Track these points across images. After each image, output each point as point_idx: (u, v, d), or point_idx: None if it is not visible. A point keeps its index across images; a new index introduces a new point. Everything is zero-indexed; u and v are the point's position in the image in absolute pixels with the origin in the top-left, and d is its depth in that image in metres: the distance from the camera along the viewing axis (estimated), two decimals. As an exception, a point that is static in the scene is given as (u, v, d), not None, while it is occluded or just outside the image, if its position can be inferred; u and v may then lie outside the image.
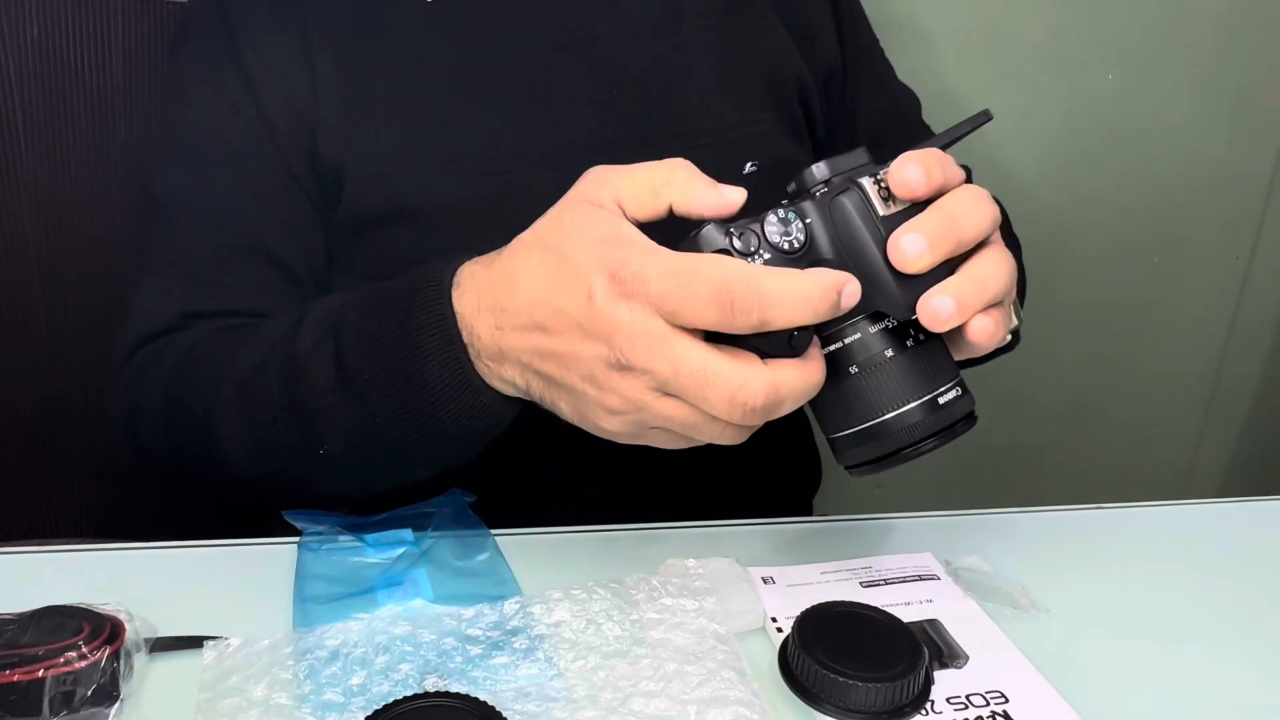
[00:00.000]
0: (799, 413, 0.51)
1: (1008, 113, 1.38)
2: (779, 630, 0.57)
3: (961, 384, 0.53)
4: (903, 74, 0.97)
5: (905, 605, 0.59)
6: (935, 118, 0.96)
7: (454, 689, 0.49)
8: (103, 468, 0.96)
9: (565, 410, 0.54)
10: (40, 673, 0.48)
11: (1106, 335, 1.53)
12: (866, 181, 0.50)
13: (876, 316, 0.51)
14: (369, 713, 0.47)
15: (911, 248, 0.49)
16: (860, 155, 0.52)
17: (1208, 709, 0.55)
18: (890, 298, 0.50)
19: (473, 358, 0.55)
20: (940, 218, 0.50)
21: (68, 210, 0.91)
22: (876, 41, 0.94)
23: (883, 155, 0.52)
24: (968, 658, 0.56)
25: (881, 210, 0.50)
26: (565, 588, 0.58)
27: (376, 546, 0.61)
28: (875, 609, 0.56)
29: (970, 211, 0.51)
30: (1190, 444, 1.66)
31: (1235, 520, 0.75)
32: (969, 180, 0.53)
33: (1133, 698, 0.55)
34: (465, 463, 0.62)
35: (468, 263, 0.56)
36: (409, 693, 0.48)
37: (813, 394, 0.50)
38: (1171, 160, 1.45)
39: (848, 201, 0.50)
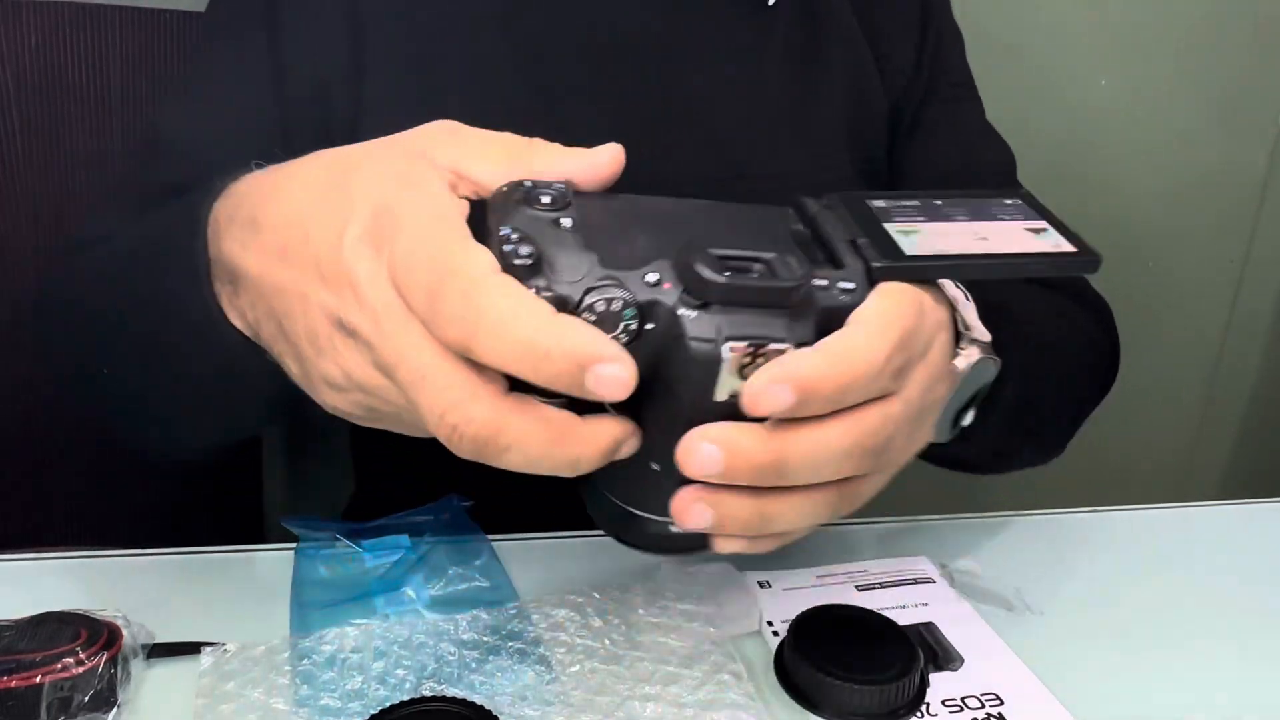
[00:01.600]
0: None
1: (1000, 119, 1.39)
2: (775, 634, 0.57)
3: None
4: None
5: (900, 608, 0.59)
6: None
7: (451, 694, 0.50)
8: (100, 474, 0.96)
9: (292, 370, 0.44)
10: (38, 679, 0.48)
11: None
12: (736, 349, 0.38)
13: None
14: (366, 718, 0.47)
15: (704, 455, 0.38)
16: (777, 324, 0.39)
17: (1203, 711, 0.55)
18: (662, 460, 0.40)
19: (214, 278, 0.46)
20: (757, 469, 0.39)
21: (65, 217, 0.91)
22: (968, 77, 0.82)
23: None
24: (963, 660, 0.56)
25: (720, 395, 0.39)
26: (562, 593, 0.58)
27: (373, 552, 0.61)
28: (870, 612, 0.56)
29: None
30: (1187, 447, 1.66)
31: (1231, 522, 0.75)
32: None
33: (1127, 700, 0.55)
34: (241, 427, 0.57)
35: (254, 173, 0.47)
36: (406, 698, 0.49)
37: (545, 464, 0.38)
38: (1165, 165, 1.45)
39: (699, 364, 0.38)
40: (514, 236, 0.38)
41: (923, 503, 0.69)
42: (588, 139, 0.58)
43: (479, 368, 0.37)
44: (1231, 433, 1.67)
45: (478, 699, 0.49)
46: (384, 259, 0.38)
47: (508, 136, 0.43)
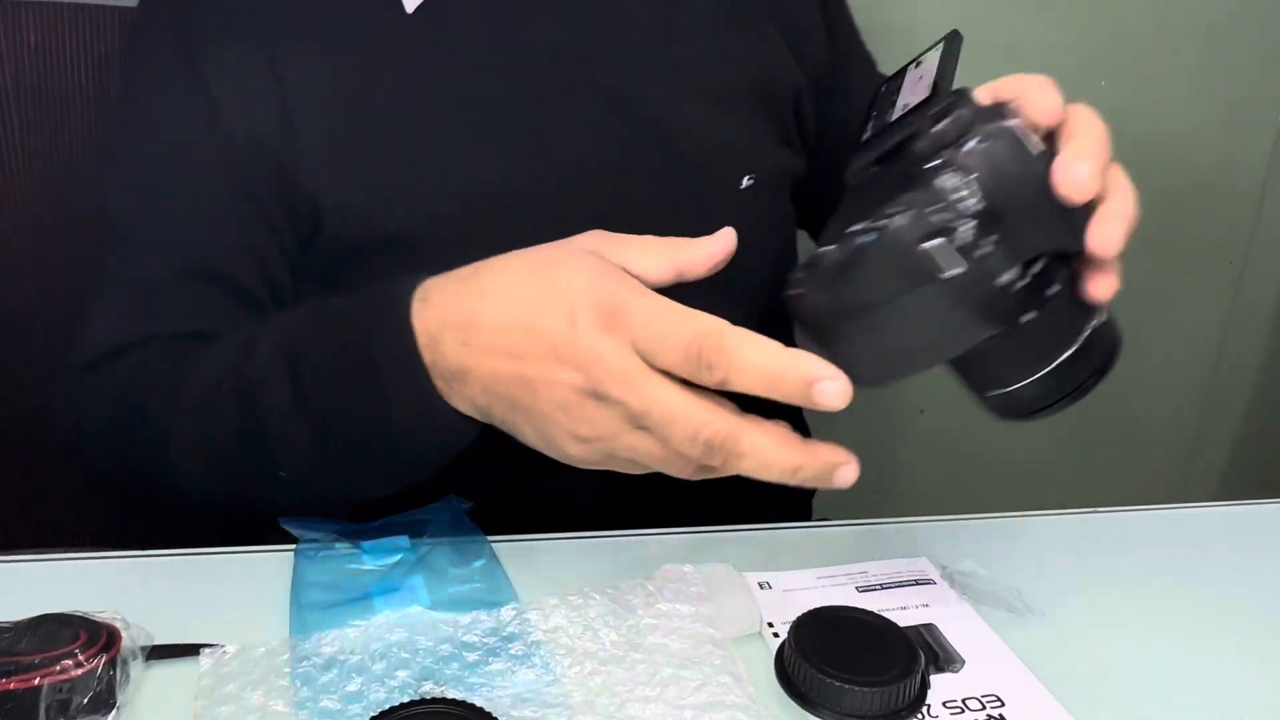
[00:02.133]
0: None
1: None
2: (775, 635, 0.57)
3: (1107, 310, 0.52)
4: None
5: (901, 610, 0.59)
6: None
7: (451, 695, 0.50)
8: (98, 476, 0.96)
9: (528, 435, 0.53)
10: (36, 681, 0.47)
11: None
12: (1011, 122, 0.48)
13: (1031, 260, 0.48)
14: (366, 719, 0.47)
15: (1083, 174, 0.47)
16: (971, 101, 0.49)
17: (1204, 712, 0.55)
18: (1067, 234, 0.49)
19: (434, 377, 0.53)
20: (1088, 139, 0.49)
21: (64, 219, 0.91)
22: (860, 36, 0.93)
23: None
24: (964, 662, 0.56)
25: (1034, 151, 0.48)
26: (562, 594, 0.58)
27: (373, 553, 0.61)
28: (871, 613, 0.56)
29: (1100, 126, 0.50)
30: (1186, 448, 1.66)
31: (1231, 524, 0.75)
32: None
33: (1128, 701, 0.55)
34: (429, 478, 0.61)
35: (436, 278, 0.54)
36: (406, 699, 0.49)
37: (781, 470, 0.49)
38: (1164, 167, 1.45)
39: (1005, 149, 0.47)
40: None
41: (923, 504, 0.69)
42: (531, 149, 0.70)
43: (714, 400, 0.49)
44: (1231, 434, 1.67)
45: (478, 701, 0.49)
46: (621, 336, 0.48)
47: (659, 241, 0.53)
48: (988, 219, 0.46)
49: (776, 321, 0.54)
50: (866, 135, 0.54)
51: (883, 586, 0.62)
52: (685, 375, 0.48)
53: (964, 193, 0.46)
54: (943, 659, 0.56)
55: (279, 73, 0.67)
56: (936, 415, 1.49)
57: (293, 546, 0.62)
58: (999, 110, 0.48)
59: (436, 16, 0.70)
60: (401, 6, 0.69)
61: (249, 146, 0.68)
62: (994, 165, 0.46)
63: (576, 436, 0.50)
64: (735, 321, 0.49)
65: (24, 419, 0.93)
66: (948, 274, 0.46)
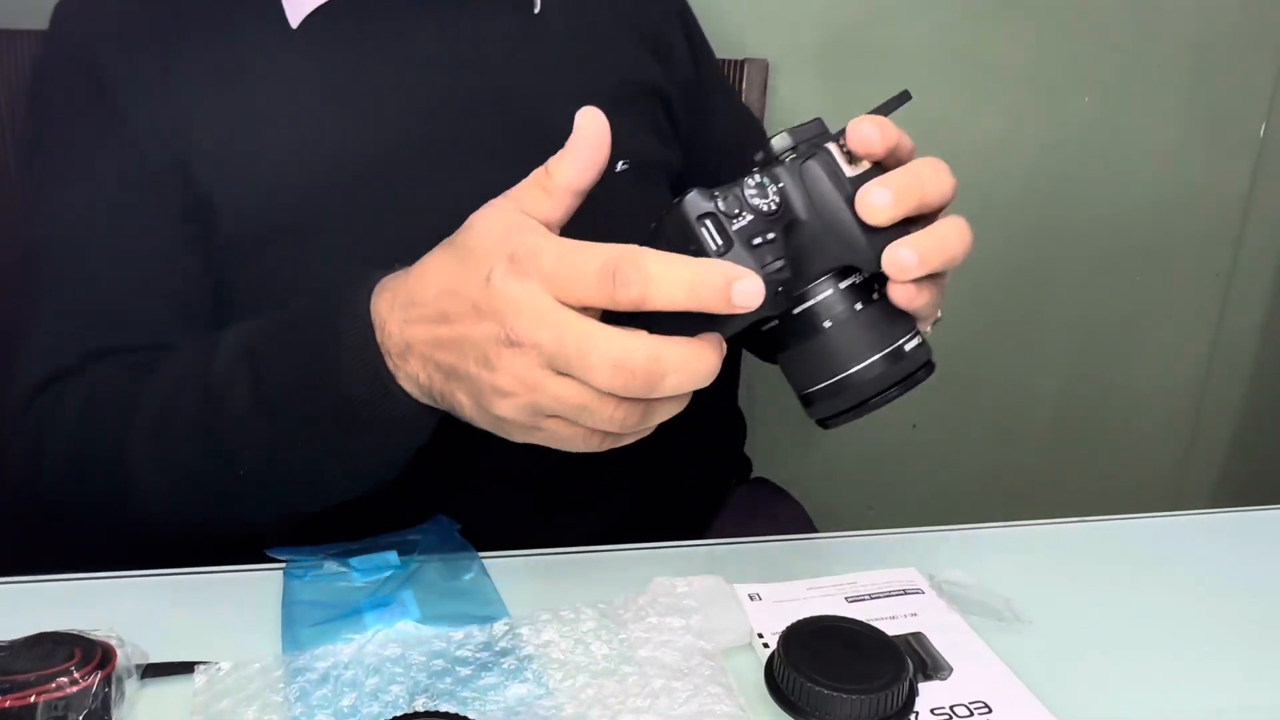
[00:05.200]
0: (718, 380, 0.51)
1: (987, 135, 1.40)
2: (765, 645, 0.57)
3: (919, 334, 0.55)
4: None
5: (890, 619, 0.60)
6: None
7: (444, 709, 0.50)
8: (56, 509, 0.95)
9: (464, 404, 0.53)
10: (32, 698, 0.48)
11: (1092, 352, 1.55)
12: (832, 146, 0.53)
13: (844, 272, 0.53)
14: (359, 733, 0.48)
15: (878, 199, 0.51)
16: (818, 125, 0.55)
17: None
18: (859, 250, 0.52)
19: (384, 356, 0.55)
20: (905, 175, 0.53)
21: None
22: (720, 68, 1.01)
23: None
24: (952, 669, 0.56)
25: (848, 171, 0.53)
26: (553, 608, 0.59)
27: (362, 569, 0.62)
28: (859, 623, 0.57)
29: (933, 175, 0.53)
30: (1178, 457, 1.67)
31: (1223, 531, 0.75)
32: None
33: (1117, 709, 0.56)
34: (390, 481, 0.62)
35: (390, 275, 0.56)
36: (399, 713, 0.49)
37: (702, 376, 0.50)
38: (1150, 181, 1.47)
39: (817, 164, 0.53)
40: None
41: (911, 514, 0.70)
42: (415, 129, 0.76)
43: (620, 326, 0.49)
44: (1222, 442, 1.68)
45: (471, 715, 0.49)
46: (532, 279, 0.49)
47: (539, 173, 0.53)
48: (776, 219, 0.52)
49: None
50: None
51: (871, 596, 0.62)
52: (602, 302, 0.48)
53: (758, 192, 0.51)
54: (931, 667, 0.56)
55: (176, 84, 0.72)
56: (929, 429, 1.50)
57: (283, 564, 0.63)
58: (825, 134, 0.54)
59: (318, 30, 0.75)
60: (286, 21, 0.74)
61: (159, 154, 0.71)
62: (798, 177, 0.53)
63: (501, 391, 0.50)
64: None
65: None
66: (710, 248, 0.50)
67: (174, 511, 0.66)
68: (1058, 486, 1.59)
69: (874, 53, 1.34)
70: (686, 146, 0.89)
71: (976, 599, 0.62)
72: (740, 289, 0.47)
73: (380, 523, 0.66)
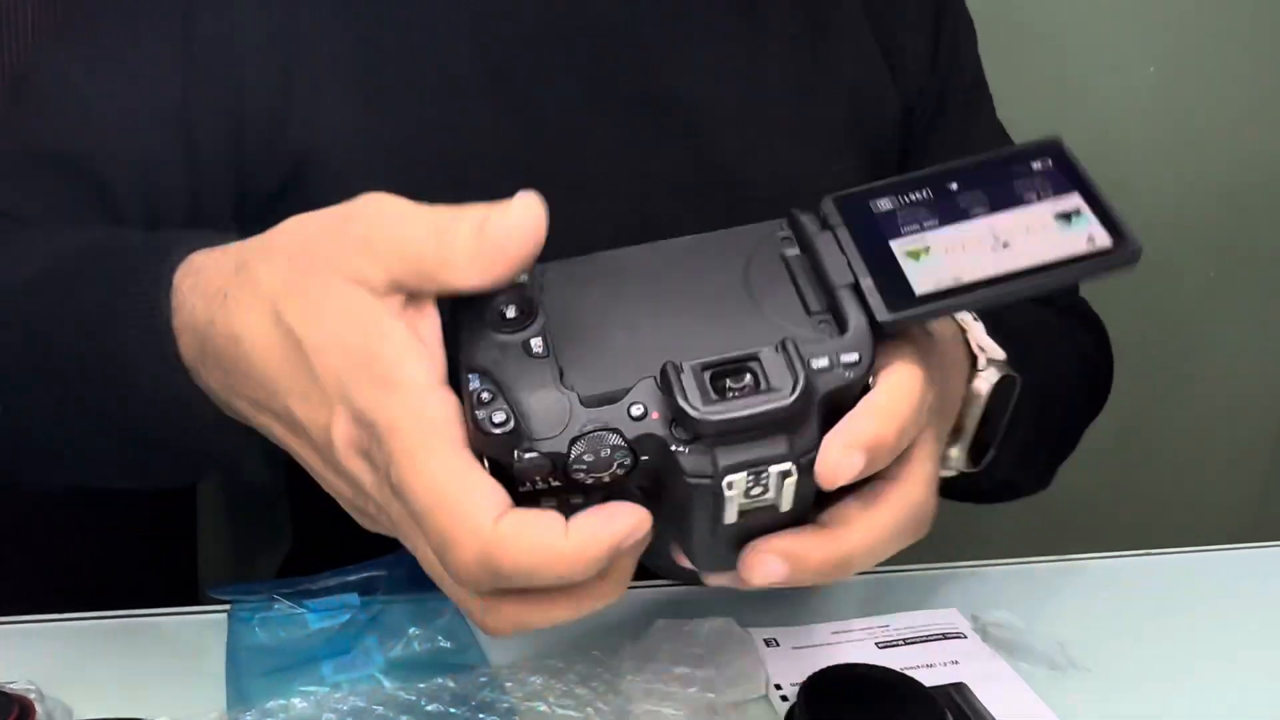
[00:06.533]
0: None
1: (1038, 115, 1.40)
2: (784, 698, 0.57)
3: None
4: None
5: (928, 668, 0.60)
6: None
7: (412, 772, 0.50)
8: (11, 530, 0.96)
9: (275, 436, 0.48)
10: (-63, 762, 0.48)
11: (1158, 362, 1.54)
12: (735, 482, 0.42)
13: None
14: (315, 801, 0.47)
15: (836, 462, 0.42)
16: (779, 444, 0.42)
17: (1273, 780, 0.55)
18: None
19: (181, 344, 0.50)
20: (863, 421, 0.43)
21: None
22: (981, 74, 0.87)
23: None
24: (999, 726, 0.56)
25: (729, 519, 0.43)
26: (539, 656, 0.59)
27: (318, 612, 0.62)
28: (893, 672, 0.56)
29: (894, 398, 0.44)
30: (1257, 481, 1.67)
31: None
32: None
33: (1187, 768, 0.56)
34: (184, 472, 0.59)
35: (193, 271, 0.50)
36: (361, 777, 0.49)
37: (563, 576, 0.42)
38: (1227, 159, 1.46)
39: (700, 498, 0.42)
40: (484, 396, 0.42)
41: (951, 548, 0.70)
42: (556, 137, 0.67)
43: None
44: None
45: (443, 778, 0.49)
46: (380, 474, 0.43)
47: (431, 214, 0.45)
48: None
49: None
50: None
51: (906, 642, 0.62)
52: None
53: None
54: (975, 723, 0.56)
55: (286, 11, 0.68)
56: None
57: (226, 608, 0.63)
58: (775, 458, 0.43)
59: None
60: None
61: (218, 86, 0.68)
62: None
63: (333, 487, 0.47)
64: None
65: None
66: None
67: None
68: (1117, 515, 1.59)
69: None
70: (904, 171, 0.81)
71: (1026, 644, 0.62)
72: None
73: (334, 552, 0.65)
